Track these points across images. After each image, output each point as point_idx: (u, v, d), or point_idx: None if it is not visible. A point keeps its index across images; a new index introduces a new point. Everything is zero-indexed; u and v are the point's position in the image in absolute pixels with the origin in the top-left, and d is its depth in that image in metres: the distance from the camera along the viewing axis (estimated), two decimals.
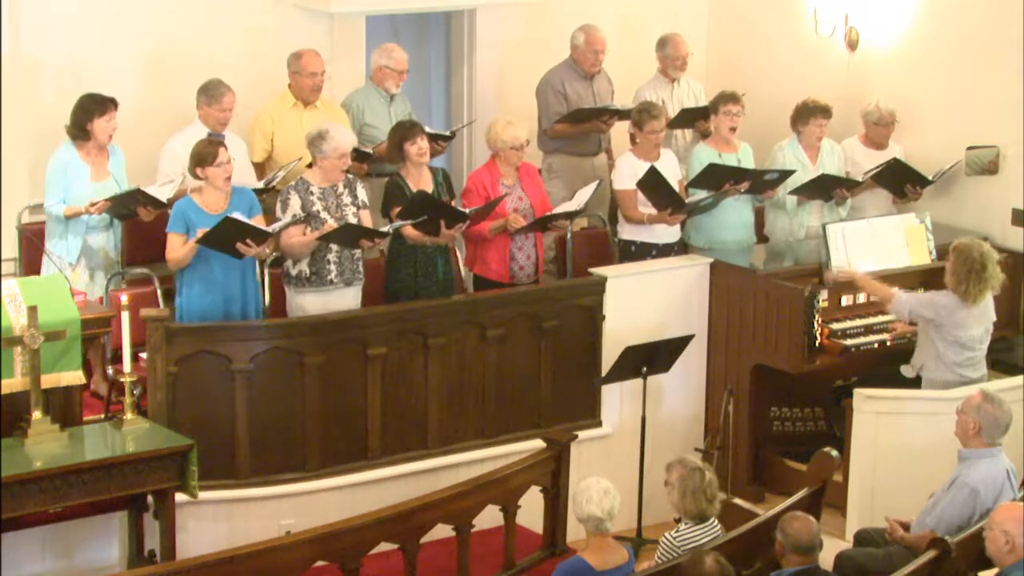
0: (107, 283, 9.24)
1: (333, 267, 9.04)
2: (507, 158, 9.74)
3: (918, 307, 9.17)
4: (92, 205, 9.01)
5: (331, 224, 8.90)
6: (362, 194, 9.18)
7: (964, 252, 9.03)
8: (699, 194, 10.14)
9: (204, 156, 8.70)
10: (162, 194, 9.16)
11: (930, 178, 10.48)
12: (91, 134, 9.11)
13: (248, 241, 8.58)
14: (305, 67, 10.09)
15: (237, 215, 8.62)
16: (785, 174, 10.24)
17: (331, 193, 9.04)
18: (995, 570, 7.11)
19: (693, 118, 11.01)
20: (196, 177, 8.77)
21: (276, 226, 8.75)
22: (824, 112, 10.44)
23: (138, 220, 9.69)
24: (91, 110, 9.09)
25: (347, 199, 9.08)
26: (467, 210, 9.34)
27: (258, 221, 8.79)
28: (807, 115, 10.45)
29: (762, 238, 10.63)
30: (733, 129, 10.30)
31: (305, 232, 8.87)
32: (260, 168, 10.05)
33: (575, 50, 10.96)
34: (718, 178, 10.04)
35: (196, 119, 9.71)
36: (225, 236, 8.54)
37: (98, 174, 9.19)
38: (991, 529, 7.03)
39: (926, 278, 9.96)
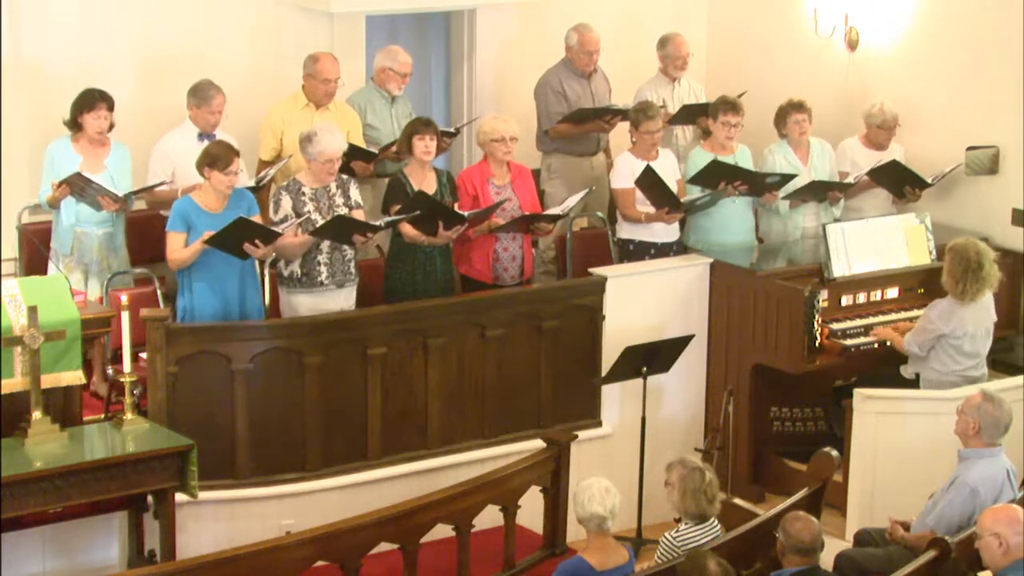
0: (107, 283, 9.24)
1: (324, 268, 9.04)
2: (492, 152, 9.72)
3: (922, 338, 9.19)
4: (53, 184, 9.08)
5: (316, 217, 8.90)
6: (355, 195, 9.17)
7: (960, 252, 9.07)
8: (695, 192, 10.14)
9: (217, 159, 8.67)
10: (120, 189, 9.17)
11: (929, 181, 10.49)
12: (82, 127, 9.22)
13: (256, 241, 8.58)
14: (320, 72, 10.07)
15: (257, 216, 8.69)
16: (787, 177, 10.24)
17: (323, 194, 9.04)
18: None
19: (695, 114, 10.99)
20: (202, 175, 8.77)
21: (285, 225, 8.74)
22: (797, 108, 10.42)
23: (137, 220, 9.73)
24: (82, 104, 9.23)
25: (339, 200, 9.08)
26: (465, 213, 9.33)
27: (257, 221, 8.79)
28: (784, 115, 10.46)
29: (758, 240, 10.61)
30: (730, 138, 10.31)
31: (297, 233, 8.87)
32: (268, 167, 10.02)
33: (569, 50, 10.96)
34: (720, 176, 10.03)
35: (186, 119, 9.71)
36: (234, 237, 8.55)
37: (92, 166, 9.21)
38: (981, 537, 6.93)
39: (926, 278, 9.96)
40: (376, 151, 10.04)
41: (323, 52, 10.18)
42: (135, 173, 9.54)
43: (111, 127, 9.30)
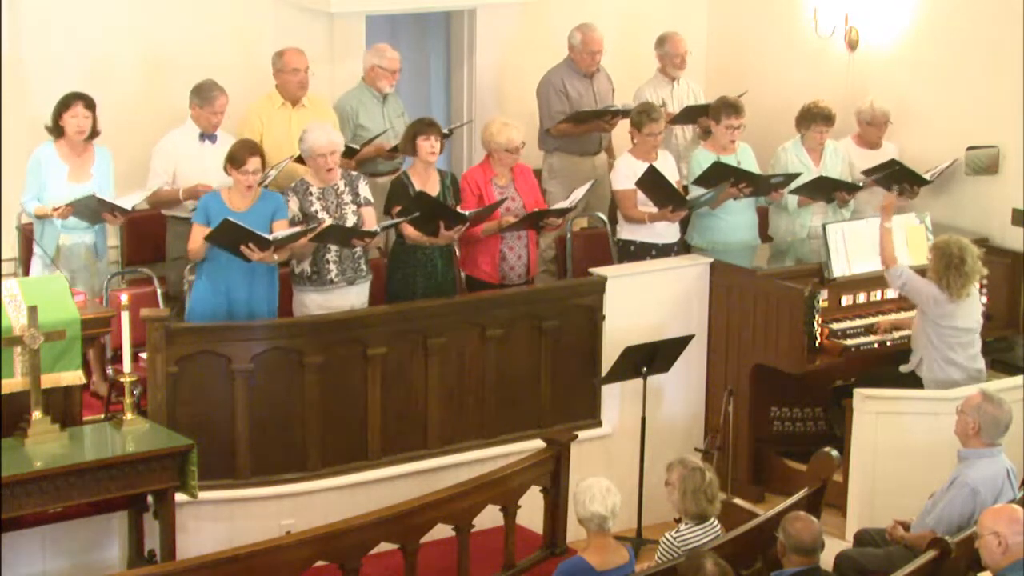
0: (106, 284, 9.23)
1: (333, 266, 9.03)
2: (500, 159, 9.74)
3: (913, 283, 9.15)
4: (55, 209, 9.02)
5: (327, 223, 8.89)
6: (364, 191, 9.17)
7: (943, 249, 9.06)
8: (698, 189, 10.14)
9: (234, 158, 8.74)
10: (127, 202, 9.16)
11: (927, 177, 10.49)
12: (63, 130, 9.15)
13: (250, 245, 8.57)
14: (288, 63, 10.07)
15: (274, 219, 8.73)
16: (791, 177, 10.24)
17: (331, 192, 9.04)
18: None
19: (696, 115, 10.99)
20: (227, 173, 8.81)
21: (278, 234, 8.71)
22: (827, 120, 10.45)
23: (137, 220, 9.72)
24: (61, 105, 9.15)
25: (347, 197, 9.08)
26: (467, 212, 9.33)
27: (281, 225, 8.79)
28: (809, 120, 10.47)
29: (766, 239, 10.62)
30: (733, 140, 10.32)
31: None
32: None
33: (572, 50, 10.96)
34: (722, 177, 10.04)
35: (188, 119, 9.70)
36: (227, 238, 8.54)
37: (78, 175, 9.17)
38: (981, 536, 6.92)
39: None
40: (357, 147, 10.03)
41: (288, 47, 10.16)
42: (132, 173, 9.53)
43: (95, 133, 9.21)
